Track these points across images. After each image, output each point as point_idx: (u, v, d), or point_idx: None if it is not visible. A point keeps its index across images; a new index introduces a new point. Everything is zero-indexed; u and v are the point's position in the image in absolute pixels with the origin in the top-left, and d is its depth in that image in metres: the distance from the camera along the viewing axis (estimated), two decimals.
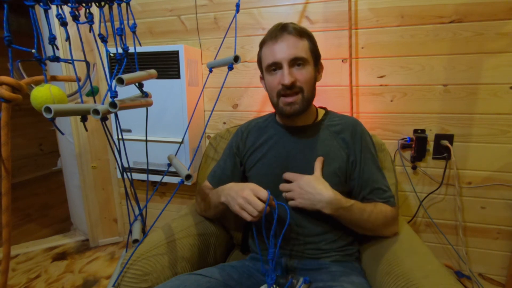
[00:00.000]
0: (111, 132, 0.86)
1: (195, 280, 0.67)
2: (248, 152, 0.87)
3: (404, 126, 1.15)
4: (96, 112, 0.58)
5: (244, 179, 0.90)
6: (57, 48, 0.68)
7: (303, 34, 0.75)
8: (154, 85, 1.16)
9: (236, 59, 0.81)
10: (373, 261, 0.76)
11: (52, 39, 0.66)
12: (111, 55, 1.16)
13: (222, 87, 0.95)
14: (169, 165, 0.80)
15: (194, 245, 0.82)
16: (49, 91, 0.63)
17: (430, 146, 1.13)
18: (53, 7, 0.64)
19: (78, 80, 0.73)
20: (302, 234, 0.77)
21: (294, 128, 0.84)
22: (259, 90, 1.28)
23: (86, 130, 0.75)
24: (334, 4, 1.12)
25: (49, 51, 0.69)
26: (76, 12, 0.66)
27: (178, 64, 1.20)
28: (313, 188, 0.71)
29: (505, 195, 1.10)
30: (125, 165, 0.83)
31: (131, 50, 0.71)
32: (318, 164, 0.76)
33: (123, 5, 0.68)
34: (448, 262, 1.20)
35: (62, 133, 0.83)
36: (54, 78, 0.75)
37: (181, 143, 1.19)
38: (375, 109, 1.16)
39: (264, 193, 0.66)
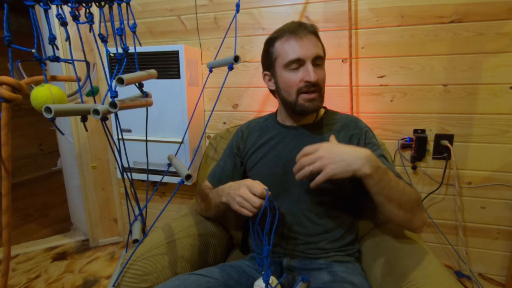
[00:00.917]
0: (111, 132, 0.86)
1: (195, 280, 0.67)
2: (249, 152, 0.87)
3: (404, 126, 1.15)
4: (96, 112, 0.58)
5: (244, 179, 0.90)
6: (57, 48, 0.68)
7: (317, 34, 0.78)
8: (154, 85, 1.16)
9: (236, 59, 0.81)
10: (373, 261, 0.76)
11: (52, 39, 0.66)
12: (111, 55, 1.16)
13: (222, 87, 0.95)
14: (169, 165, 0.80)
15: (194, 245, 0.82)
16: (49, 91, 0.63)
17: (430, 146, 1.13)
18: (53, 7, 0.64)
19: (78, 80, 0.73)
20: (302, 234, 0.77)
21: (296, 127, 0.84)
22: (259, 90, 1.28)
23: (86, 130, 0.75)
24: (334, 4, 1.12)
25: (49, 51, 0.69)
26: (76, 12, 0.66)
27: (178, 64, 1.20)
28: (343, 148, 0.63)
29: (505, 195, 1.10)
30: (125, 165, 0.83)
31: (131, 50, 0.71)
32: (332, 138, 0.70)
33: (123, 5, 0.68)
34: (448, 262, 1.20)
35: (62, 133, 0.83)
36: (54, 78, 0.75)
37: (181, 143, 1.19)
38: (375, 109, 1.16)
39: (257, 189, 0.65)
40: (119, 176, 1.12)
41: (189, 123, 1.02)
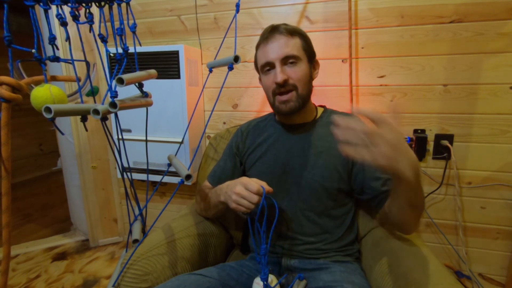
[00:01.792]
0: (111, 132, 0.86)
1: (195, 280, 0.67)
2: (248, 152, 0.87)
3: (404, 126, 1.15)
4: (96, 112, 0.58)
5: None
6: (57, 48, 0.68)
7: (294, 33, 0.76)
8: (154, 85, 1.16)
9: (236, 59, 0.81)
10: (373, 261, 0.76)
11: (52, 39, 0.66)
12: (111, 55, 1.16)
13: (222, 87, 0.95)
14: (169, 165, 0.81)
15: (194, 245, 0.82)
16: (49, 91, 0.63)
17: (430, 146, 1.13)
18: (53, 7, 0.64)
19: (78, 80, 0.73)
20: (302, 234, 0.77)
21: (293, 126, 0.84)
22: (259, 90, 1.28)
23: (86, 130, 0.75)
24: (334, 4, 1.12)
25: (49, 51, 0.69)
26: (76, 12, 0.66)
27: (178, 64, 1.20)
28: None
29: (505, 195, 1.10)
30: (125, 165, 0.83)
31: (131, 50, 0.71)
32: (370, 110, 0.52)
33: (123, 5, 0.68)
34: (448, 262, 1.20)
35: (62, 133, 0.83)
36: (54, 78, 0.75)
37: (181, 143, 1.19)
38: (375, 109, 1.16)
39: (253, 186, 0.65)
40: (119, 176, 1.12)
41: (189, 123, 1.02)
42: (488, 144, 1.08)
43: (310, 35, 0.83)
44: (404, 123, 1.14)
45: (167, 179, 1.31)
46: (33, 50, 0.62)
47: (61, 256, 1.55)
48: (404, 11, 1.06)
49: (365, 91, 1.16)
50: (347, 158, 0.77)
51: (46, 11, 0.64)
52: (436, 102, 1.10)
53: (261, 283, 0.62)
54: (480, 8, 1.00)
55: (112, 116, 1.33)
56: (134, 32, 0.71)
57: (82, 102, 0.72)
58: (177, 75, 1.21)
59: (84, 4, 0.66)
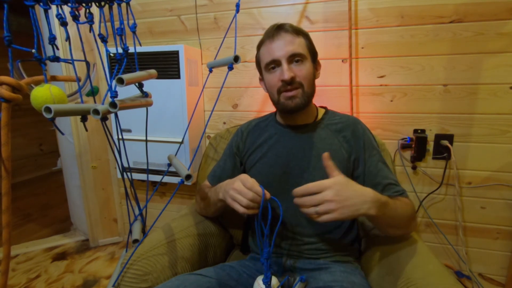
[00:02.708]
0: (111, 132, 0.86)
1: (195, 280, 0.67)
2: (248, 152, 0.87)
3: (404, 126, 1.15)
4: (96, 112, 0.58)
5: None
6: (57, 48, 0.68)
7: (299, 32, 0.77)
8: (154, 85, 1.16)
9: (236, 59, 0.81)
10: (373, 261, 0.76)
11: (52, 39, 0.66)
12: (111, 55, 1.16)
13: (222, 87, 0.95)
14: (169, 165, 0.81)
15: (194, 245, 0.82)
16: (49, 91, 0.63)
17: (430, 146, 1.13)
18: (53, 7, 0.64)
19: (78, 80, 0.73)
20: (301, 234, 0.77)
21: (294, 127, 0.84)
22: (259, 90, 1.28)
23: (86, 130, 0.75)
24: (334, 4, 1.12)
25: (49, 51, 0.69)
26: (76, 12, 0.66)
27: (178, 64, 1.20)
28: (353, 190, 0.60)
29: (505, 195, 1.10)
30: (125, 165, 0.83)
31: (131, 50, 0.71)
32: (330, 162, 0.63)
33: (123, 5, 0.68)
34: (448, 262, 1.20)
35: (62, 133, 0.83)
36: (54, 78, 0.75)
37: (181, 143, 1.19)
38: (375, 109, 1.16)
39: (248, 182, 0.64)
40: (119, 176, 1.12)
41: (189, 123, 1.02)
42: (488, 144, 1.08)
43: (310, 35, 0.83)
44: (404, 123, 1.14)
45: (167, 179, 1.31)
46: (33, 50, 0.62)
47: (61, 256, 1.55)
48: (404, 11, 1.06)
49: (365, 91, 1.16)
50: (347, 161, 0.78)
51: (46, 11, 0.64)
52: (436, 102, 1.10)
53: (263, 285, 0.62)
54: (480, 8, 1.00)
55: (112, 116, 1.33)
56: (134, 32, 0.71)
57: (82, 102, 0.72)
58: (177, 75, 1.21)
59: (84, 4, 0.66)
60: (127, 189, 0.93)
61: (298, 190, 0.60)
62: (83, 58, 0.80)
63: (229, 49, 1.25)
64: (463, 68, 1.05)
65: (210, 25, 1.29)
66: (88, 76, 0.78)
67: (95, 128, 1.50)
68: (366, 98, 1.16)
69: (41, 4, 0.63)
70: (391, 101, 1.14)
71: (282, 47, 0.74)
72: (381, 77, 1.13)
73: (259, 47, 0.82)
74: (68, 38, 0.66)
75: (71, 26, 0.68)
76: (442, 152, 1.11)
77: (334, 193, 0.58)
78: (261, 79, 0.86)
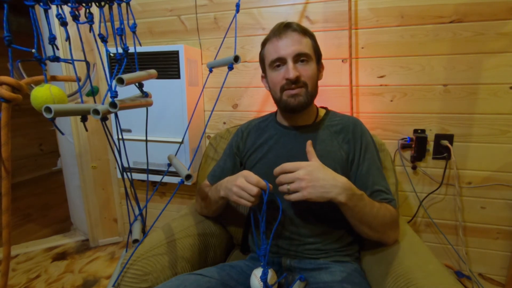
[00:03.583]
0: (111, 132, 0.86)
1: (195, 280, 0.67)
2: (248, 152, 0.87)
3: (404, 126, 1.15)
4: (96, 112, 0.58)
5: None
6: (57, 48, 0.68)
7: (306, 32, 0.78)
8: (154, 85, 1.16)
9: (236, 59, 0.81)
10: (373, 261, 0.76)
11: (52, 39, 0.66)
12: (111, 55, 1.16)
13: (222, 87, 0.95)
14: (169, 165, 0.81)
15: (194, 245, 0.82)
16: (49, 91, 0.63)
17: (430, 146, 1.13)
18: (53, 7, 0.64)
19: (78, 80, 0.73)
20: (301, 235, 0.77)
21: (295, 127, 0.84)
22: (259, 90, 1.28)
23: (86, 130, 0.75)
24: (334, 4, 1.12)
25: (49, 51, 0.69)
26: (76, 12, 0.66)
27: (178, 64, 1.20)
28: (325, 173, 0.64)
29: (505, 195, 1.10)
30: (125, 165, 0.83)
31: (131, 50, 0.71)
32: (311, 149, 0.69)
33: (123, 5, 0.68)
34: (448, 262, 1.20)
35: (62, 133, 0.83)
36: (54, 78, 0.75)
37: (181, 143, 1.19)
38: (375, 109, 1.16)
39: (253, 178, 0.66)
40: (119, 176, 1.12)
41: (189, 123, 1.02)
42: (488, 144, 1.08)
43: None
44: (404, 123, 1.14)
45: (167, 179, 1.31)
46: (33, 50, 0.62)
47: (61, 256, 1.55)
48: (404, 11, 1.06)
49: (365, 91, 1.16)
50: (346, 162, 0.78)
51: (46, 11, 0.64)
52: (436, 102, 1.10)
53: (259, 275, 0.63)
54: (480, 8, 1.00)
55: (112, 116, 1.33)
56: (134, 32, 0.71)
57: (82, 102, 0.72)
58: (177, 75, 1.21)
59: (84, 4, 0.66)
60: (127, 189, 0.93)
61: (277, 168, 0.66)
62: (83, 58, 0.80)
63: (229, 49, 1.25)
64: (463, 68, 1.05)
65: (210, 25, 1.30)
66: (88, 76, 0.78)
67: (95, 128, 1.50)
68: (366, 98, 1.16)
69: (41, 4, 0.63)
70: (391, 101, 1.14)
71: (289, 45, 0.74)
72: (381, 77, 1.13)
73: (264, 44, 0.82)
74: (68, 38, 0.66)
75: (71, 26, 0.68)
76: (442, 152, 1.11)
77: (306, 173, 0.63)
78: (263, 76, 0.86)
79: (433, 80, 1.08)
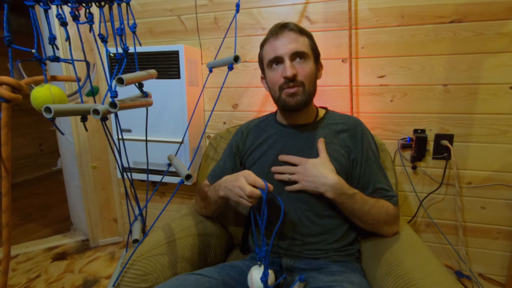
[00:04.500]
0: (111, 132, 0.86)
1: (195, 280, 0.67)
2: (248, 151, 0.87)
3: (404, 126, 1.15)
4: (96, 112, 0.58)
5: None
6: (57, 48, 0.68)
7: (303, 31, 0.78)
8: (154, 85, 1.16)
9: (236, 59, 0.81)
10: (373, 261, 0.76)
11: (52, 39, 0.66)
12: (111, 55, 1.16)
13: (222, 87, 0.95)
14: (169, 165, 0.81)
15: (194, 245, 0.82)
16: (49, 91, 0.63)
17: (430, 146, 1.13)
18: (53, 7, 0.64)
19: (78, 80, 0.73)
20: (301, 234, 0.77)
21: (294, 126, 0.84)
22: (259, 90, 1.28)
23: (86, 130, 0.75)
24: (334, 4, 1.12)
25: (49, 51, 0.69)
26: (76, 12, 0.66)
27: (178, 64, 1.20)
28: (318, 171, 0.72)
29: (505, 195, 1.10)
30: (125, 165, 0.83)
31: (131, 50, 0.71)
32: (321, 146, 0.77)
33: (123, 5, 0.68)
34: (448, 262, 1.20)
35: (62, 133, 0.83)
36: (54, 78, 0.75)
37: (181, 143, 1.19)
38: (375, 109, 1.16)
39: (253, 177, 0.67)
40: (119, 176, 1.12)
41: (189, 123, 1.02)
42: (488, 144, 1.08)
43: None
44: (404, 123, 1.14)
45: (167, 179, 1.31)
46: (33, 50, 0.62)
47: (61, 256, 1.55)
48: (404, 11, 1.06)
49: (365, 91, 1.16)
50: (347, 161, 0.79)
51: (46, 11, 0.64)
52: (436, 102, 1.10)
53: (256, 274, 0.63)
54: (480, 8, 1.00)
55: (112, 116, 1.33)
56: (134, 32, 0.71)
57: (82, 102, 0.72)
58: (177, 75, 1.22)
59: (84, 4, 0.66)
60: (127, 189, 0.93)
61: (285, 155, 0.79)
62: (83, 58, 0.80)
63: (229, 49, 1.25)
64: (463, 68, 1.05)
65: (210, 25, 1.29)
66: (88, 76, 0.78)
67: (95, 128, 1.50)
68: (366, 98, 1.16)
69: (41, 4, 0.63)
70: (391, 101, 1.14)
71: (286, 44, 0.75)
72: (381, 77, 1.13)
73: (262, 45, 0.83)
74: (68, 38, 0.66)
75: (71, 26, 0.68)
76: (442, 152, 1.11)
77: (303, 169, 0.75)
78: (263, 77, 0.87)
79: (433, 80, 1.08)
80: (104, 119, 0.68)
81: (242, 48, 1.27)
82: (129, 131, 1.33)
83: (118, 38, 0.68)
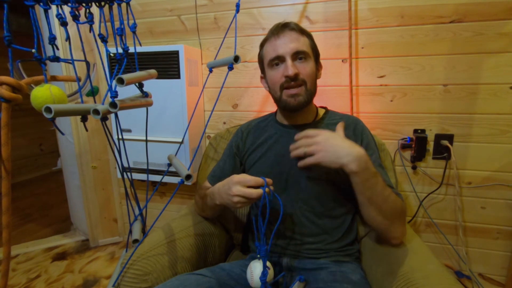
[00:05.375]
0: (111, 132, 0.86)
1: (195, 280, 0.67)
2: (248, 152, 0.87)
3: (404, 126, 1.15)
4: (96, 112, 0.58)
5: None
6: (57, 48, 0.68)
7: (303, 31, 0.79)
8: (154, 85, 1.16)
9: (236, 59, 0.81)
10: (373, 261, 0.76)
11: (52, 39, 0.66)
12: (111, 55, 1.16)
13: (222, 87, 0.95)
14: (169, 165, 0.81)
15: (194, 245, 0.82)
16: (49, 91, 0.63)
17: (430, 146, 1.13)
18: (53, 7, 0.64)
19: (78, 80, 0.73)
20: (301, 234, 0.77)
21: (294, 126, 0.84)
22: (259, 90, 1.28)
23: (86, 130, 0.75)
24: (334, 4, 1.12)
25: (49, 51, 0.69)
26: (76, 12, 0.66)
27: (178, 64, 1.20)
28: (341, 141, 0.66)
29: (505, 195, 1.10)
30: (125, 165, 0.83)
31: (131, 50, 0.71)
32: (339, 126, 0.71)
33: (123, 5, 0.68)
34: (448, 262, 1.20)
35: (62, 133, 0.83)
36: (54, 78, 0.75)
37: (181, 143, 1.19)
38: (375, 109, 1.16)
39: (250, 180, 0.65)
40: (119, 176, 1.12)
41: (189, 123, 1.02)
42: (488, 144, 1.08)
43: None
44: (404, 123, 1.14)
45: (167, 179, 1.31)
46: (33, 50, 0.62)
47: (61, 256, 1.55)
48: (404, 11, 1.06)
49: (365, 91, 1.16)
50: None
51: (46, 11, 0.64)
52: (436, 102, 1.10)
53: (257, 270, 0.63)
54: (480, 8, 1.00)
55: (112, 116, 1.33)
56: (134, 32, 0.71)
57: (82, 102, 0.72)
58: (177, 75, 1.22)
59: (84, 4, 0.66)
60: (127, 189, 0.93)
61: (299, 133, 0.70)
62: (83, 58, 0.80)
63: (229, 49, 1.25)
64: (463, 68, 1.05)
65: (210, 25, 1.29)
66: (88, 76, 0.78)
67: (95, 128, 1.50)
68: (366, 98, 1.16)
69: (41, 4, 0.63)
70: (391, 101, 1.14)
71: (287, 43, 0.75)
72: (381, 77, 1.13)
73: (262, 44, 0.83)
74: (68, 38, 0.66)
75: (71, 26, 0.68)
76: (442, 152, 1.11)
77: (323, 138, 0.66)
78: (263, 77, 0.87)
79: (433, 80, 1.08)
80: (104, 119, 0.68)
81: (242, 48, 1.27)
82: (129, 131, 1.33)
83: (118, 38, 0.68)
